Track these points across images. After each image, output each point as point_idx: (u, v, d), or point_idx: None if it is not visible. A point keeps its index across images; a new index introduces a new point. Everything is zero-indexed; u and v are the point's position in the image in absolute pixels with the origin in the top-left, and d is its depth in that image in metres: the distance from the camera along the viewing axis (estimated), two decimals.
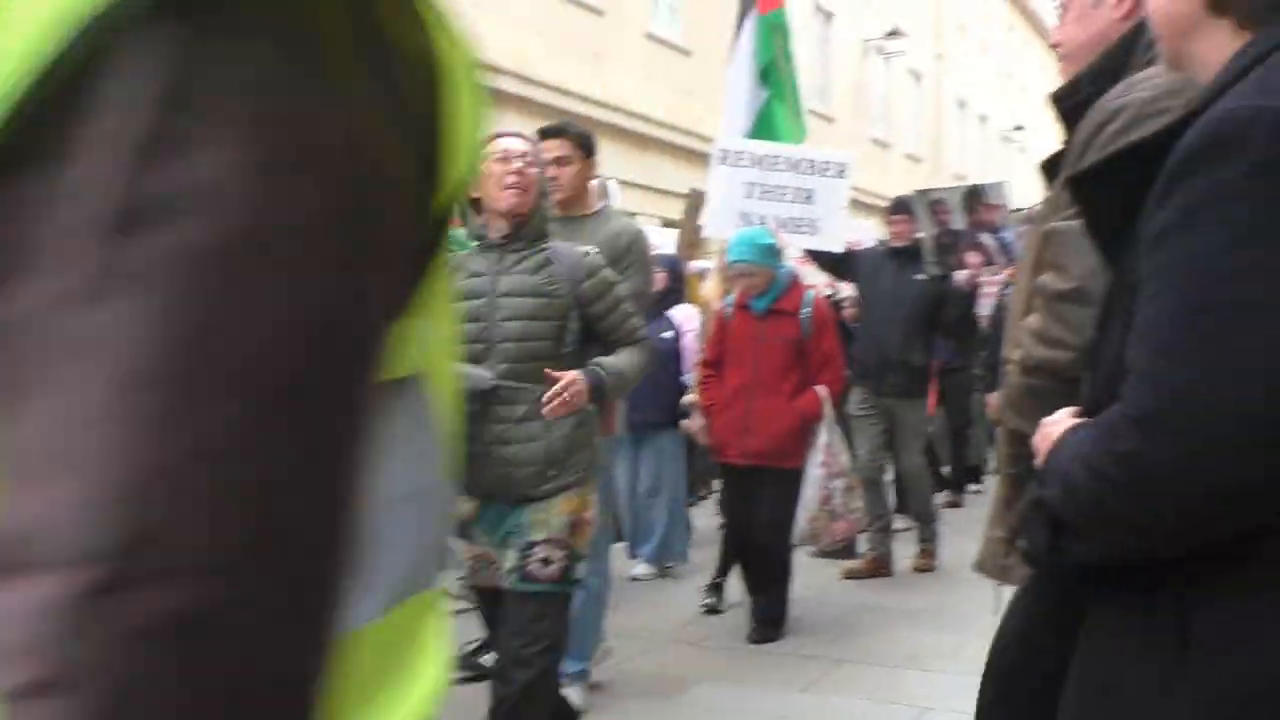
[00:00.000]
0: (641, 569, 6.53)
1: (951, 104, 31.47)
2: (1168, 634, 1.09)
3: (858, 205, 12.43)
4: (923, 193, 6.72)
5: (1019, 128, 37.26)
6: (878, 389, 6.67)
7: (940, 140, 30.33)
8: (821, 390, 5.21)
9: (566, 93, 14.72)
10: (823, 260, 6.89)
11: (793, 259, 6.37)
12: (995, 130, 35.85)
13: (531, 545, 3.13)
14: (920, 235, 7.05)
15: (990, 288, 8.93)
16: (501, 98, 13.60)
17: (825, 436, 5.18)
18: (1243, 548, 1.05)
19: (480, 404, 3.11)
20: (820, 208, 6.56)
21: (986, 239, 6.64)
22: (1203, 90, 1.17)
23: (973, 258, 6.54)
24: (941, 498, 8.96)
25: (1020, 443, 1.89)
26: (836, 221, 6.65)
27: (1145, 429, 1.03)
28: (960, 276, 6.53)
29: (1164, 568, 1.12)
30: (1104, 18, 1.99)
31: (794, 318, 5.23)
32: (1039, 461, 1.25)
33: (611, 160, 13.07)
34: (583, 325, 3.23)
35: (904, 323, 6.56)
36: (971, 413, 9.56)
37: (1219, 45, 1.18)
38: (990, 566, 2.15)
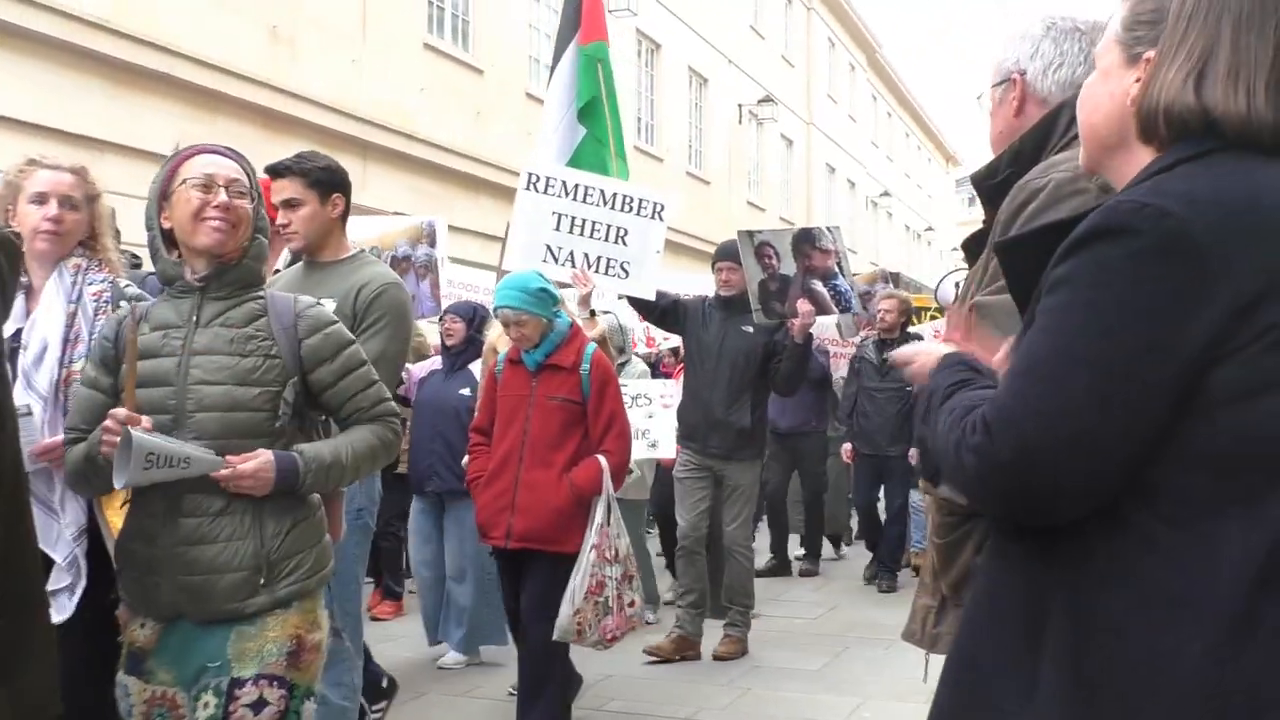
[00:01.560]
0: (450, 657, 5.95)
1: (821, 170, 32.56)
2: (1027, 619, 1.32)
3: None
4: (748, 235, 6.03)
5: (885, 194, 38.73)
6: (703, 450, 6.19)
7: (811, 204, 31.31)
8: (602, 461, 4.44)
9: (448, 150, 14.85)
10: (647, 309, 6.33)
11: (600, 304, 6.23)
12: (863, 196, 37.17)
13: (237, 684, 2.39)
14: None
15: (841, 349, 8.75)
16: (383, 153, 13.67)
17: (600, 515, 4.37)
18: (1086, 543, 1.28)
19: (163, 496, 2.42)
20: (634, 249, 6.02)
21: (818, 286, 5.94)
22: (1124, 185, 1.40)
23: (804, 306, 5.84)
24: (798, 566, 8.90)
25: (949, 512, 2.06)
26: (650, 266, 6.10)
27: (994, 431, 1.27)
28: (794, 327, 5.98)
29: (1025, 554, 1.35)
30: (1004, 116, 2.25)
31: (572, 374, 4.47)
32: (915, 386, 1.49)
33: (492, 216, 13.23)
34: (304, 394, 2.59)
35: (729, 378, 6.10)
36: (828, 478, 9.12)
37: (1138, 163, 1.38)
38: (920, 635, 2.20)
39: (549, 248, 5.88)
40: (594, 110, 7.05)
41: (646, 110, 21.84)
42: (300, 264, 3.86)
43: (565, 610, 4.26)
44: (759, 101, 26.40)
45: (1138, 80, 1.39)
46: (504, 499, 4.42)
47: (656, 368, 8.96)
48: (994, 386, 1.37)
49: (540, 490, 4.37)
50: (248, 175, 2.65)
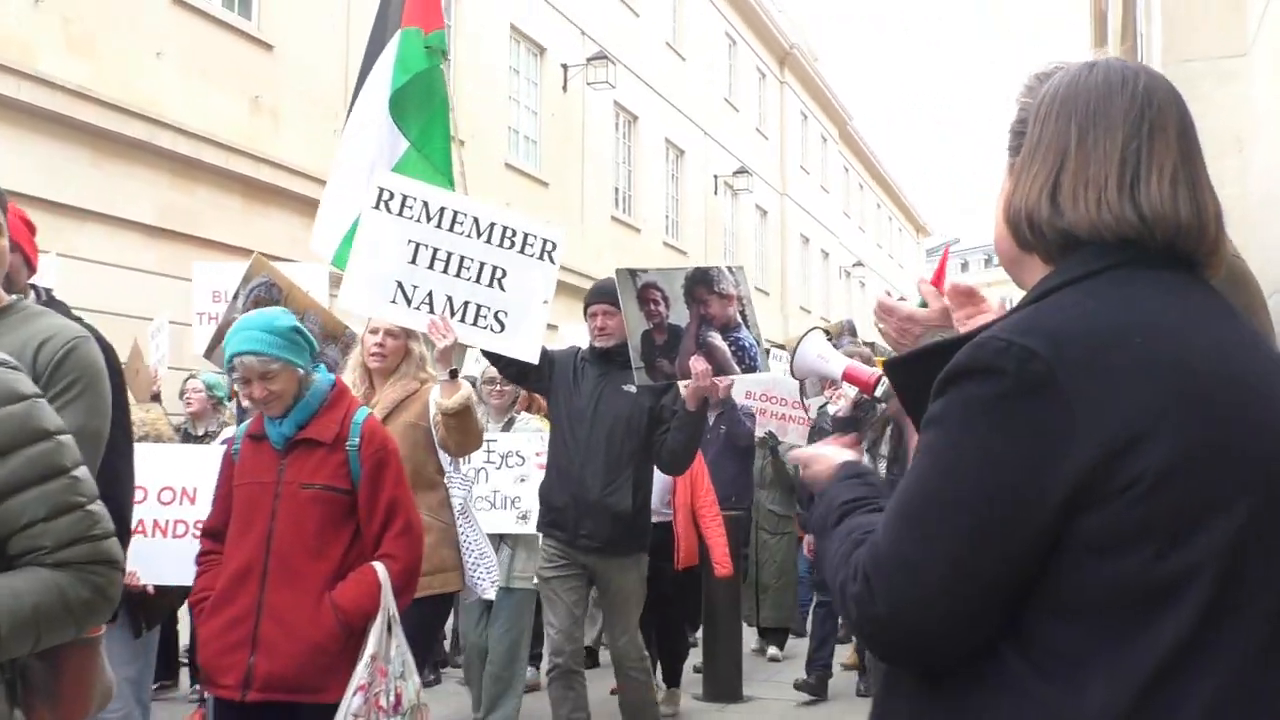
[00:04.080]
0: None
1: (795, 240, 32.91)
2: None
3: None
4: (629, 274, 4.78)
5: (858, 264, 39.14)
6: (572, 541, 4.89)
7: (785, 274, 31.59)
8: (380, 570, 3.28)
9: None
10: (500, 361, 4.98)
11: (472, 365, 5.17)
12: (836, 265, 37.54)
13: None
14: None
15: (792, 411, 7.76)
16: None
17: (374, 644, 3.21)
18: (966, 686, 1.26)
19: None
20: (514, 296, 4.70)
21: (716, 339, 4.81)
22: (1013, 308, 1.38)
23: (698, 364, 4.67)
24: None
25: None
26: (534, 320, 4.76)
27: (871, 581, 1.26)
28: (684, 388, 4.85)
29: (913, 687, 1.33)
30: None
31: (335, 452, 3.33)
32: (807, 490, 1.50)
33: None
34: None
35: (606, 450, 4.85)
36: (745, 564, 7.66)
37: (1036, 273, 1.35)
38: None
39: (400, 285, 4.56)
40: (416, 115, 5.81)
41: (624, 181, 22.09)
42: None
43: None
44: (734, 173, 26.75)
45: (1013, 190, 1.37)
46: (240, 631, 3.22)
47: None
48: (883, 509, 1.34)
49: (292, 618, 3.20)
50: None
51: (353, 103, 5.98)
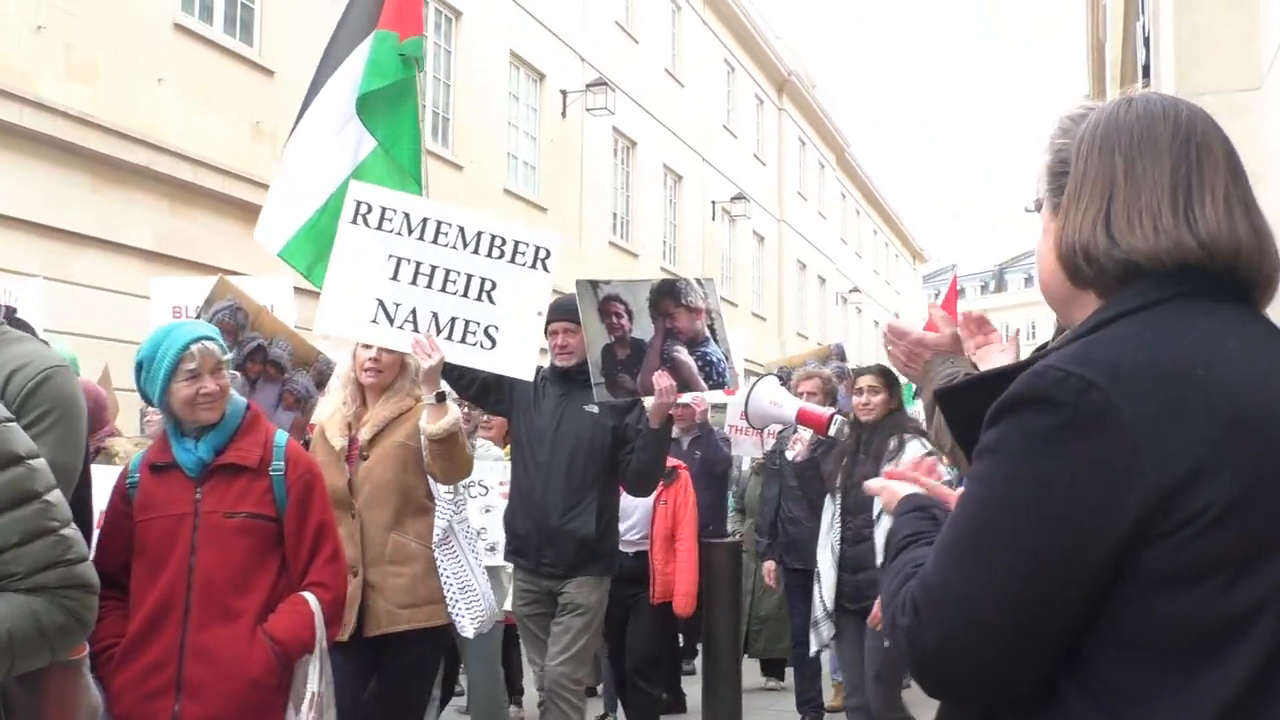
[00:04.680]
0: None
1: (793, 265, 32.96)
2: None
3: None
4: (590, 286, 4.54)
5: (855, 290, 39.19)
6: (535, 569, 4.73)
7: (782, 300, 31.63)
8: (311, 600, 3.12)
9: None
10: (459, 381, 4.72)
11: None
12: (833, 291, 37.58)
13: None
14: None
15: (741, 422, 6.96)
16: None
17: (314, 683, 3.08)
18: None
19: None
20: (505, 309, 4.39)
21: (682, 354, 4.55)
22: (1061, 339, 1.36)
23: (662, 380, 4.43)
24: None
25: None
26: (528, 334, 4.45)
27: (921, 615, 1.24)
28: (648, 404, 4.62)
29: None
30: None
31: (259, 478, 3.14)
32: (886, 513, 1.47)
33: None
34: None
35: (568, 473, 4.68)
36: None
37: (1088, 311, 1.33)
38: None
39: (381, 304, 4.27)
40: (386, 116, 5.42)
41: (623, 207, 22.14)
42: None
43: None
44: (732, 199, 26.82)
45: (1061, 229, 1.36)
46: (161, 677, 2.96)
47: None
48: None
49: (222, 656, 2.98)
50: None
51: (310, 97, 5.54)
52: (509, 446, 5.65)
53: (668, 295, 4.63)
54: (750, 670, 7.57)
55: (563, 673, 4.64)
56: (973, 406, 1.30)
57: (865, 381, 5.06)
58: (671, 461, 6.25)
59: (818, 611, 5.04)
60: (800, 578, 6.16)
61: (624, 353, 4.51)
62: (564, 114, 19.36)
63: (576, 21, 19.61)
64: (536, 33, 18.48)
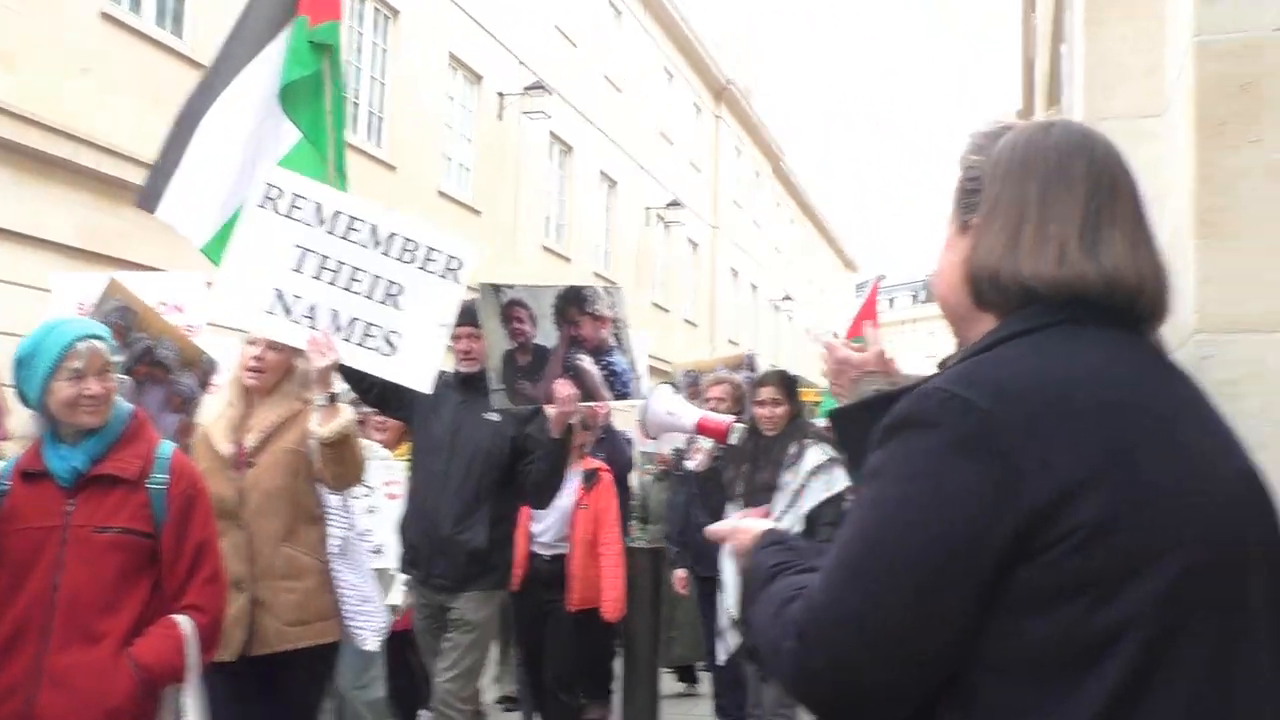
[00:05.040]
0: None
1: (726, 273, 33.16)
2: None
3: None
4: (493, 289, 4.41)
5: (787, 298, 39.54)
6: (426, 580, 4.63)
7: (715, 307, 31.80)
8: (185, 624, 2.92)
9: None
10: (360, 385, 4.58)
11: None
12: (765, 299, 37.87)
13: None
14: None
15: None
16: None
17: (193, 714, 2.89)
18: None
19: None
20: (409, 316, 4.20)
21: (587, 363, 4.45)
22: (954, 358, 1.38)
23: (564, 389, 4.34)
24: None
25: None
26: (430, 345, 4.25)
27: (807, 635, 1.24)
28: (551, 413, 4.49)
29: None
30: None
31: (135, 491, 2.93)
32: (734, 565, 1.48)
33: None
34: None
35: (462, 482, 4.56)
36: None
37: (984, 329, 1.35)
38: None
39: (280, 295, 4.04)
40: (307, 105, 5.15)
41: (557, 211, 22.12)
42: None
43: None
44: (667, 205, 26.91)
45: (971, 248, 1.37)
46: (10, 705, 2.74)
47: None
48: (814, 569, 1.33)
49: (82, 682, 2.74)
50: None
51: (220, 77, 5.17)
52: (401, 449, 5.57)
53: (573, 302, 4.53)
54: (667, 675, 7.61)
55: (450, 690, 4.53)
56: (862, 428, 1.33)
57: (767, 393, 4.95)
58: (594, 464, 6.28)
59: (723, 620, 4.98)
60: (709, 585, 6.05)
61: (526, 359, 4.40)
62: (500, 116, 19.30)
63: (515, 24, 19.56)
64: (475, 34, 18.40)
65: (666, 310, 27.60)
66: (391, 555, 4.91)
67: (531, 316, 4.44)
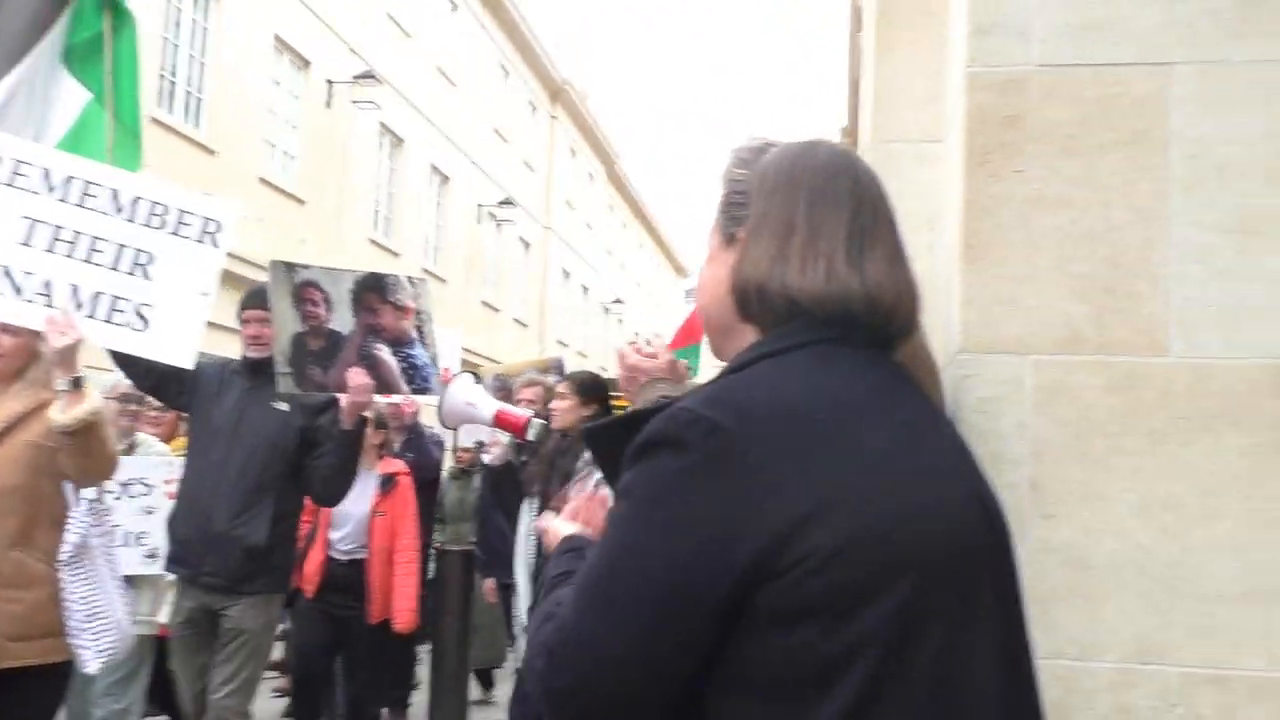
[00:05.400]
0: None
1: (557, 273, 33.17)
2: None
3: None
4: (285, 267, 4.20)
5: (618, 300, 39.84)
6: (194, 578, 4.29)
7: (545, 307, 31.77)
8: None
9: None
10: (133, 370, 4.28)
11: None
12: (596, 301, 38.05)
13: None
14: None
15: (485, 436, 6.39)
16: None
17: None
18: None
19: None
20: (162, 286, 3.88)
21: (384, 353, 4.25)
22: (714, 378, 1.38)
23: (357, 378, 4.12)
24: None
25: None
26: (190, 318, 3.93)
27: (554, 653, 1.24)
28: (345, 402, 4.25)
29: None
30: None
31: None
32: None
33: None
34: None
35: (241, 473, 4.28)
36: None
37: (745, 344, 1.35)
38: None
39: (8, 273, 3.71)
40: (93, 63, 4.74)
41: (386, 203, 21.70)
42: None
43: None
44: (499, 203, 26.75)
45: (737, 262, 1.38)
46: None
47: None
48: None
49: None
50: None
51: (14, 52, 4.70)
52: (177, 442, 5.28)
53: (374, 289, 4.33)
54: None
55: (228, 705, 4.27)
56: (616, 446, 1.32)
57: (560, 389, 4.87)
58: (393, 466, 6.08)
59: (516, 627, 4.82)
60: (508, 590, 5.81)
61: (318, 344, 4.16)
62: (329, 104, 18.81)
63: (346, 10, 19.10)
64: (303, 17, 17.87)
65: (497, 309, 27.42)
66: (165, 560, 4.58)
67: (327, 300, 4.22)
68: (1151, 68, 1.90)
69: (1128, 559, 1.90)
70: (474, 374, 5.94)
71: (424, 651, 7.29)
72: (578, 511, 1.64)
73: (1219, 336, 1.88)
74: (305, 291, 4.19)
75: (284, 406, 4.34)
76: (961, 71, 1.98)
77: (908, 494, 1.24)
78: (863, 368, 1.31)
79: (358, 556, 5.81)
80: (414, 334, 4.38)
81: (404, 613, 5.84)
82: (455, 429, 6.05)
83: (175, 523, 4.39)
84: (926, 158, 2.44)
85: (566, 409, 4.66)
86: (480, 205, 26.25)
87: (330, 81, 18.74)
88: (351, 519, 5.71)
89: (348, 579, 5.69)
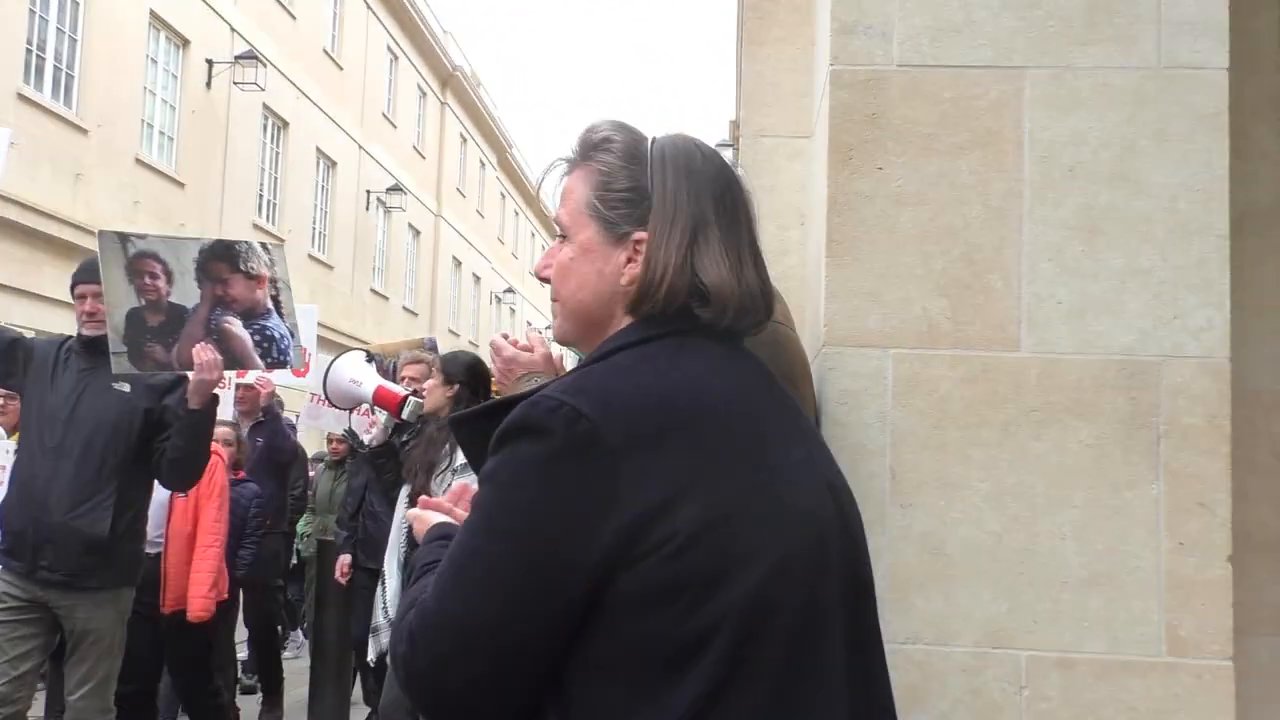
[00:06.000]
0: None
1: (448, 262, 32.81)
2: None
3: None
4: (117, 238, 3.94)
5: (510, 290, 39.60)
6: (30, 573, 4.04)
7: (435, 296, 31.40)
8: None
9: (42, 213, 13.63)
10: None
11: None
12: (488, 291, 37.76)
13: None
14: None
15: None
16: None
17: None
18: None
19: None
20: None
21: (235, 326, 4.02)
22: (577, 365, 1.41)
23: (204, 354, 3.89)
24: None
25: None
26: None
27: (416, 637, 1.26)
28: (199, 382, 4.00)
29: None
30: None
31: None
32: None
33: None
34: None
35: (81, 460, 4.03)
36: (278, 603, 7.01)
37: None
38: None
39: None
40: None
41: (270, 188, 21.18)
42: None
43: None
44: (388, 189, 26.33)
45: (629, 260, 1.38)
46: None
47: None
48: None
49: None
50: None
51: None
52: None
53: (222, 258, 4.03)
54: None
55: (85, 706, 4.13)
56: (482, 433, 1.33)
57: (431, 370, 4.74)
58: None
59: (379, 617, 4.69)
60: (368, 578, 5.58)
61: (157, 319, 3.89)
62: (209, 85, 18.26)
63: None
64: None
65: (385, 297, 27.03)
66: None
67: (167, 271, 3.92)
68: (1005, 71, 1.96)
69: (981, 546, 1.96)
70: (367, 352, 5.76)
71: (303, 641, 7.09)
72: (457, 499, 1.63)
73: (1067, 332, 1.95)
74: (141, 263, 3.90)
75: (125, 387, 4.09)
76: (826, 69, 2.01)
77: (762, 480, 1.28)
78: (720, 357, 1.35)
79: (157, 549, 5.29)
80: (269, 304, 4.10)
81: (200, 600, 5.31)
82: (350, 410, 5.58)
83: (9, 514, 4.14)
84: (798, 153, 2.48)
85: (433, 388, 4.55)
86: (369, 191, 25.81)
87: (210, 61, 18.20)
88: (154, 504, 4.99)
89: (152, 575, 5.12)
